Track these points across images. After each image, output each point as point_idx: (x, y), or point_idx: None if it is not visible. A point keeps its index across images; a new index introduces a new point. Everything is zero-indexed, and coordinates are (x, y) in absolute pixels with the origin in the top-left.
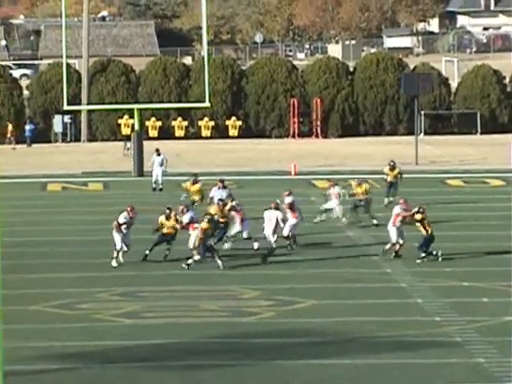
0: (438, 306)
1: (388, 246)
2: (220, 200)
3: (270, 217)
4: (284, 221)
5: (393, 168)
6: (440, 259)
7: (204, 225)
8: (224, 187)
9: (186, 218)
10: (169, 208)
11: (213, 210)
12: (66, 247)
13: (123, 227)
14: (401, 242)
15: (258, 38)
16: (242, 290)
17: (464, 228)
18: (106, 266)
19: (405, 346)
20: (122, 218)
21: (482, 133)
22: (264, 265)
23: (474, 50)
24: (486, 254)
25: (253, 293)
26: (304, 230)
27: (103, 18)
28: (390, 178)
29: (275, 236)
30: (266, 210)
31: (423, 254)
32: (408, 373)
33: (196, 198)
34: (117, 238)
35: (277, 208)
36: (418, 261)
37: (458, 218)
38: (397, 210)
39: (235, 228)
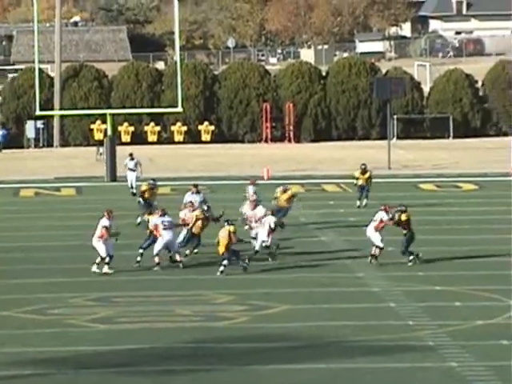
0: (411, 310)
1: (377, 251)
2: (190, 202)
3: (264, 222)
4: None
5: (364, 171)
6: (418, 262)
7: (232, 228)
8: (198, 192)
9: (153, 222)
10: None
11: (196, 214)
12: (40, 252)
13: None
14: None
15: (231, 42)
16: (215, 295)
17: (437, 232)
18: (79, 271)
19: (378, 350)
20: (107, 222)
21: (454, 137)
22: (273, 260)
23: (451, 54)
24: (459, 258)
25: (226, 298)
26: (276, 235)
27: (75, 24)
28: (361, 182)
29: (269, 239)
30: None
31: (412, 257)
32: (382, 377)
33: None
34: (101, 247)
35: (272, 214)
36: (410, 263)
37: (431, 222)
38: (383, 216)
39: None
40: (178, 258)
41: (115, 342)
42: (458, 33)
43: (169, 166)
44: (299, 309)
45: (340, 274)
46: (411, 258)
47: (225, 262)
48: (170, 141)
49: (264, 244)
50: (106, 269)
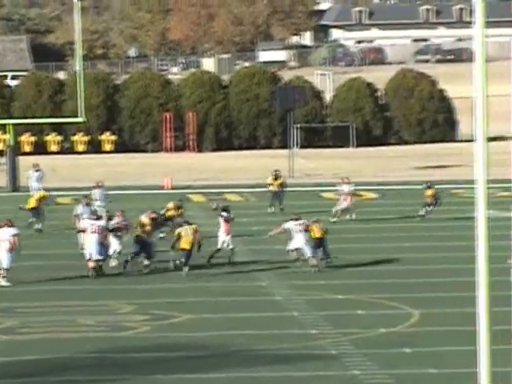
0: (314, 318)
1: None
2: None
3: (220, 222)
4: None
5: (276, 177)
6: (329, 261)
7: (195, 226)
8: (88, 204)
9: (83, 223)
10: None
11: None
12: None
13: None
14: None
15: (132, 52)
16: (117, 305)
17: (338, 241)
18: None
19: (282, 359)
20: (15, 230)
21: (356, 145)
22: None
23: (356, 63)
24: (360, 266)
25: (128, 307)
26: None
27: None
28: (274, 188)
29: (227, 238)
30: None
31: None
32: None
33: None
34: (6, 257)
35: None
36: (314, 269)
37: (332, 231)
38: (304, 221)
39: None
40: (92, 265)
41: (17, 352)
42: (359, 42)
43: (71, 176)
44: (202, 318)
45: (243, 283)
46: (323, 259)
47: (187, 261)
48: (72, 151)
49: (226, 245)
50: (4, 282)
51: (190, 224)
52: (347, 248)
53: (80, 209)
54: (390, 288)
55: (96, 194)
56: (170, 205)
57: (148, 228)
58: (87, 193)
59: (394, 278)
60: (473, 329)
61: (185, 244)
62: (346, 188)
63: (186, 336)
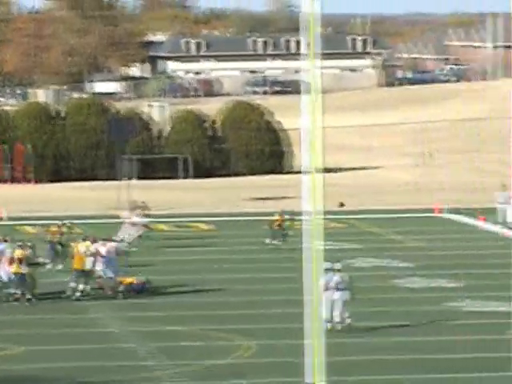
0: (149, 350)
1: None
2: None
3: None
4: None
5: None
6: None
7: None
8: None
9: None
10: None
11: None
12: None
13: None
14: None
15: None
16: None
17: (168, 272)
18: None
19: None
20: None
21: (190, 177)
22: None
23: (193, 93)
24: (194, 297)
25: None
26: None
27: None
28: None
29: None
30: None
31: None
32: None
33: None
34: None
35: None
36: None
37: (163, 262)
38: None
39: None
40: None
41: None
42: (192, 73)
43: None
44: (36, 350)
45: (77, 316)
46: None
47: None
48: None
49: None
50: None
51: (85, 240)
52: (178, 279)
53: None
54: (222, 319)
55: None
56: (54, 228)
57: (23, 261)
58: None
59: (227, 310)
60: (304, 360)
61: (75, 263)
62: (138, 219)
63: (21, 368)
